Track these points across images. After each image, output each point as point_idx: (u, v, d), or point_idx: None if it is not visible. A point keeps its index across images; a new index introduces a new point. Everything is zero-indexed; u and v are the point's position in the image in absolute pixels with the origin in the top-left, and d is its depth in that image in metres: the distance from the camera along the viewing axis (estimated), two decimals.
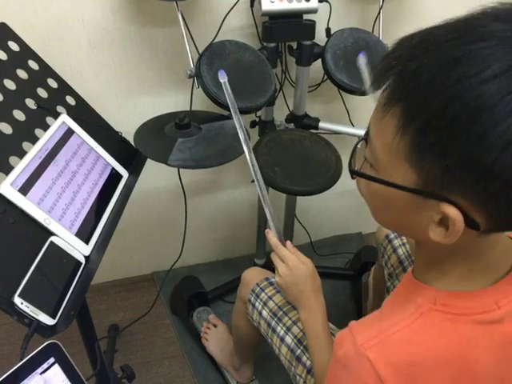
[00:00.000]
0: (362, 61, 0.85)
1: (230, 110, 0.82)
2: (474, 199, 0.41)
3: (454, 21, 0.41)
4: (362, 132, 1.25)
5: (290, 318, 0.90)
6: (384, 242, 1.07)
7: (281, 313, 0.91)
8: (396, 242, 1.03)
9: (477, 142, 0.37)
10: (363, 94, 1.14)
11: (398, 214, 0.49)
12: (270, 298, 0.94)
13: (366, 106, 1.38)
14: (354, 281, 1.53)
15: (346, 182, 1.23)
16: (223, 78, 0.87)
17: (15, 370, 0.56)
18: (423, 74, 0.39)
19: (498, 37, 0.38)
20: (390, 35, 1.23)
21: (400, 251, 1.01)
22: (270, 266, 1.52)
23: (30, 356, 0.58)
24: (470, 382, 0.50)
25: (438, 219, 0.44)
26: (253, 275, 1.01)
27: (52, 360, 0.60)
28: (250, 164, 0.80)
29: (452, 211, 0.42)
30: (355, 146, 0.53)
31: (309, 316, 0.78)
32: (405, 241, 1.02)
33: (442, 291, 0.50)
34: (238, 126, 0.80)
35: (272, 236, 0.81)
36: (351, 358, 0.51)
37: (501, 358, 0.50)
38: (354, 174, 0.52)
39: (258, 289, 0.97)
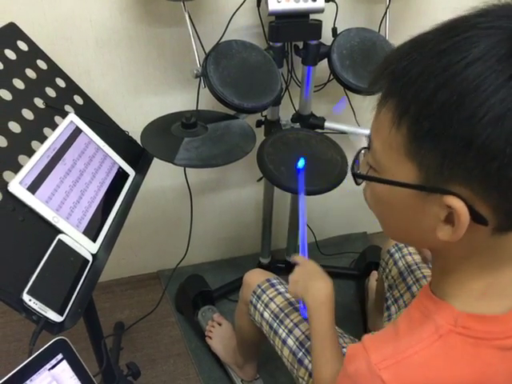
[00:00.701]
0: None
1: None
2: (475, 186, 0.41)
3: (441, 22, 0.44)
4: (367, 132, 1.25)
5: (291, 320, 0.90)
6: (386, 257, 1.08)
7: (282, 315, 0.91)
8: (397, 256, 1.04)
9: (467, 123, 0.38)
10: (369, 93, 1.14)
11: (404, 217, 0.48)
12: (272, 299, 0.94)
13: (371, 105, 1.38)
14: (358, 280, 1.53)
15: (351, 181, 1.23)
16: (301, 164, 0.82)
17: (24, 365, 0.57)
18: (413, 68, 0.42)
19: (479, 27, 0.40)
20: (397, 35, 1.23)
21: (400, 263, 1.02)
22: (274, 265, 1.54)
23: (38, 352, 0.59)
24: None
25: (443, 217, 0.44)
26: (254, 277, 1.01)
27: (60, 356, 0.60)
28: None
29: (456, 202, 0.41)
30: (358, 153, 0.53)
31: (316, 304, 0.76)
32: (405, 252, 1.03)
33: (463, 313, 0.48)
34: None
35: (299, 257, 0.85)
36: (363, 377, 0.50)
37: None
38: (356, 176, 0.52)
39: (260, 290, 0.97)
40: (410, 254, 1.02)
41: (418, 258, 1.00)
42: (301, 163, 0.79)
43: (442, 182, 0.42)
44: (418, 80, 0.41)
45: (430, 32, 0.43)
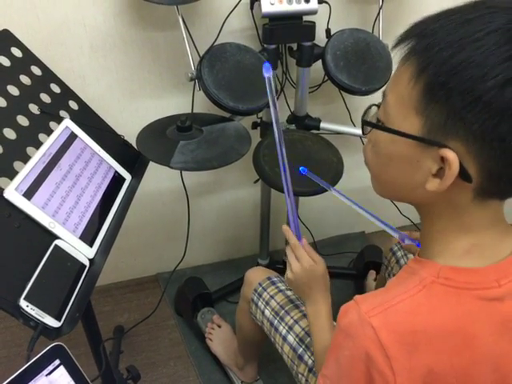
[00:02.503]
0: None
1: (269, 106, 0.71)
2: (470, 142, 0.45)
3: (473, 1, 0.48)
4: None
5: (291, 317, 0.91)
6: (388, 255, 1.09)
7: (283, 312, 0.92)
8: (399, 254, 1.05)
9: (480, 80, 0.43)
10: (364, 94, 1.15)
11: (399, 169, 0.52)
12: (272, 297, 0.96)
13: (366, 105, 1.39)
14: (357, 280, 1.54)
15: (348, 181, 1.24)
16: (268, 72, 0.70)
17: (21, 371, 0.57)
18: (440, 31, 0.46)
19: (501, 7, 0.46)
20: (390, 35, 1.23)
21: (402, 261, 1.03)
22: (273, 266, 1.54)
23: (35, 358, 0.59)
24: (468, 356, 0.52)
25: (435, 170, 0.48)
26: (255, 275, 1.02)
27: (57, 362, 0.61)
28: (276, 139, 0.74)
29: (450, 154, 0.46)
30: (368, 107, 0.57)
31: (314, 309, 0.80)
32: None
33: (445, 266, 0.52)
34: (274, 121, 0.73)
35: (291, 235, 0.81)
36: (355, 326, 0.53)
37: (500, 336, 0.52)
38: (365, 124, 0.56)
39: (261, 288, 0.98)
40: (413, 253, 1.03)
41: None
42: (266, 71, 0.72)
43: (441, 136, 0.46)
44: (443, 41, 0.45)
45: (459, 6, 0.48)
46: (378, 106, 0.55)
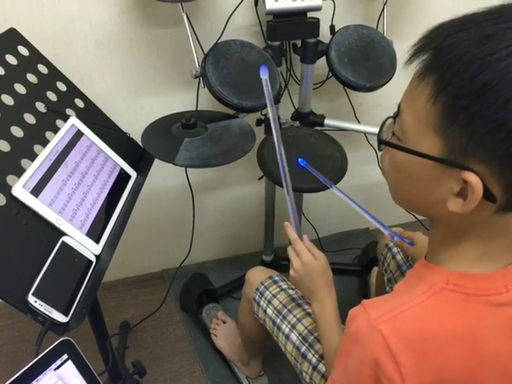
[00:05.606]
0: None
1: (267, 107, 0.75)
2: (494, 165, 0.43)
3: (489, 7, 0.45)
4: (367, 128, 1.25)
5: (294, 316, 0.91)
6: (384, 251, 1.08)
7: (285, 311, 0.92)
8: (395, 249, 1.05)
9: (503, 106, 0.41)
10: (368, 90, 1.15)
11: (418, 187, 0.51)
12: (274, 296, 0.96)
13: (371, 102, 1.39)
14: (361, 276, 1.54)
15: (352, 177, 1.24)
16: (264, 74, 0.75)
17: (30, 366, 0.58)
18: (459, 47, 0.43)
19: None
20: (395, 31, 1.23)
21: (398, 257, 1.03)
22: (277, 263, 1.55)
23: (44, 353, 0.60)
24: (477, 360, 0.51)
25: (457, 190, 0.46)
26: (257, 274, 1.03)
27: (65, 356, 0.62)
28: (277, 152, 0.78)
29: (473, 178, 0.44)
30: (385, 121, 0.55)
31: (321, 307, 0.80)
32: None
33: (455, 272, 0.52)
34: (273, 125, 0.76)
35: (291, 230, 0.82)
36: (364, 332, 0.53)
37: (508, 340, 0.52)
38: (382, 143, 0.54)
39: (263, 287, 0.98)
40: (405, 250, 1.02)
41: None
42: (263, 72, 0.74)
43: (463, 158, 0.44)
44: (462, 60, 0.43)
45: (478, 13, 0.45)
46: (394, 117, 0.53)
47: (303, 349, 0.87)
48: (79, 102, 0.96)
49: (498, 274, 0.52)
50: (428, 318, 0.51)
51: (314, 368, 0.85)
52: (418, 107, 0.47)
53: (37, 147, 0.79)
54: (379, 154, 0.58)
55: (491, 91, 0.41)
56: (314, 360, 0.85)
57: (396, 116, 0.52)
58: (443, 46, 0.45)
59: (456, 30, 0.44)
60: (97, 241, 0.81)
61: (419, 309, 0.51)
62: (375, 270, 1.44)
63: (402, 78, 0.53)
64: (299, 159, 0.81)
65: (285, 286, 0.98)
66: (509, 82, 0.41)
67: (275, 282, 0.99)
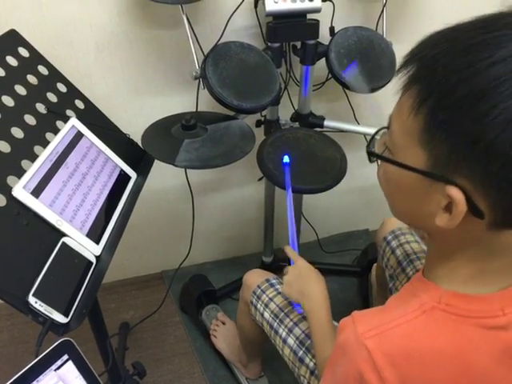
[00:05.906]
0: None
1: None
2: (476, 181, 0.42)
3: (478, 17, 0.44)
4: (367, 130, 1.26)
5: (291, 320, 0.91)
6: (383, 244, 1.07)
7: (282, 314, 0.92)
8: (394, 244, 1.04)
9: (479, 121, 0.40)
10: (368, 91, 1.15)
11: (409, 200, 0.50)
12: (271, 299, 0.95)
13: (370, 103, 1.39)
14: (361, 277, 1.54)
15: (352, 179, 1.25)
16: (287, 159, 0.86)
17: (31, 367, 0.58)
18: (441, 58, 0.42)
19: (511, 28, 0.41)
20: (394, 32, 1.23)
21: (398, 252, 1.02)
22: (277, 264, 1.55)
23: (44, 353, 0.60)
24: (465, 382, 0.50)
25: (444, 205, 0.45)
26: (254, 277, 1.02)
27: (66, 357, 0.62)
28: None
29: (455, 193, 0.43)
30: (376, 132, 0.55)
31: (312, 305, 0.80)
32: (402, 241, 1.03)
33: (448, 291, 0.51)
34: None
35: (290, 250, 0.88)
36: (350, 345, 0.52)
37: (501, 364, 0.50)
38: (370, 155, 0.54)
39: (259, 291, 0.98)
40: (408, 242, 1.02)
41: (416, 246, 1.00)
42: (286, 159, 0.81)
43: (447, 172, 0.44)
44: (443, 71, 0.42)
45: (466, 23, 0.44)
46: (388, 128, 0.52)
47: (300, 353, 0.87)
48: (79, 103, 0.96)
49: (495, 297, 0.50)
50: (416, 336, 0.50)
51: (312, 372, 0.84)
52: (403, 118, 0.47)
53: (37, 148, 0.79)
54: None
55: (467, 105, 0.40)
56: (311, 364, 0.85)
57: (388, 127, 0.52)
58: (429, 56, 0.44)
59: (443, 40, 0.44)
60: (97, 242, 0.81)
61: (407, 327, 0.50)
62: (375, 266, 1.44)
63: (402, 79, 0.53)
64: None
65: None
66: (485, 95, 0.39)
67: (272, 285, 0.98)
